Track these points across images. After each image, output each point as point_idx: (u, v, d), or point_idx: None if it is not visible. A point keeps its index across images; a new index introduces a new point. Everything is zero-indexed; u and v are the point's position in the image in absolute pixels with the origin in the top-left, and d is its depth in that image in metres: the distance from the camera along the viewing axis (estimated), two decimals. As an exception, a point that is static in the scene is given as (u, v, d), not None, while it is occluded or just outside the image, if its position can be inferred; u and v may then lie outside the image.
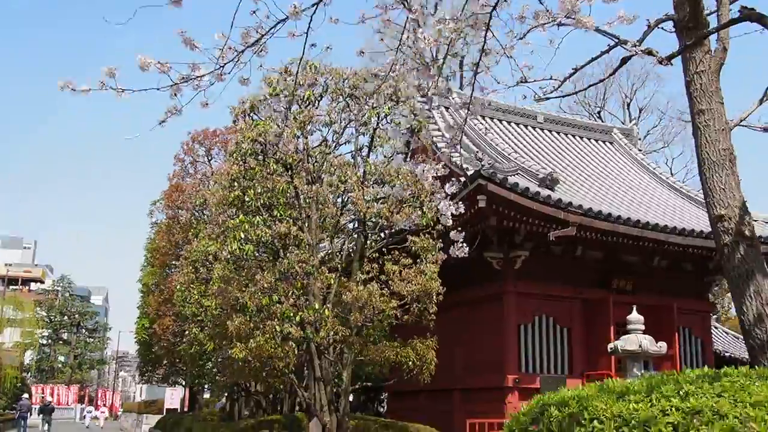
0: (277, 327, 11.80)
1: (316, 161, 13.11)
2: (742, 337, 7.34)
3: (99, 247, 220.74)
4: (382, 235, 13.14)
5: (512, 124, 22.04)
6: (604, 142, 23.20)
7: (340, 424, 13.06)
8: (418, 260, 12.72)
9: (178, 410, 37.30)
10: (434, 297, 12.65)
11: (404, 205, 12.68)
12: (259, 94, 12.94)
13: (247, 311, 12.22)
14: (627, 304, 18.04)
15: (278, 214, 12.31)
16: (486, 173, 15.03)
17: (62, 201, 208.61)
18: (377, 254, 12.62)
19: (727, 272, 7.15)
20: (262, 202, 12.41)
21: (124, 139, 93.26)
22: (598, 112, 33.87)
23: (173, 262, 23.20)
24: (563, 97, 10.42)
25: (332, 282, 12.21)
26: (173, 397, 39.57)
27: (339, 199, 13.14)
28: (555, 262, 18.01)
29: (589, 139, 22.86)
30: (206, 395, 35.73)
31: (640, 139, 24.09)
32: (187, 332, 17.70)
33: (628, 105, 33.49)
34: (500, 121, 21.85)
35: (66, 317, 65.02)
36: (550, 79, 4.89)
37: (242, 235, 12.03)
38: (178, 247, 22.80)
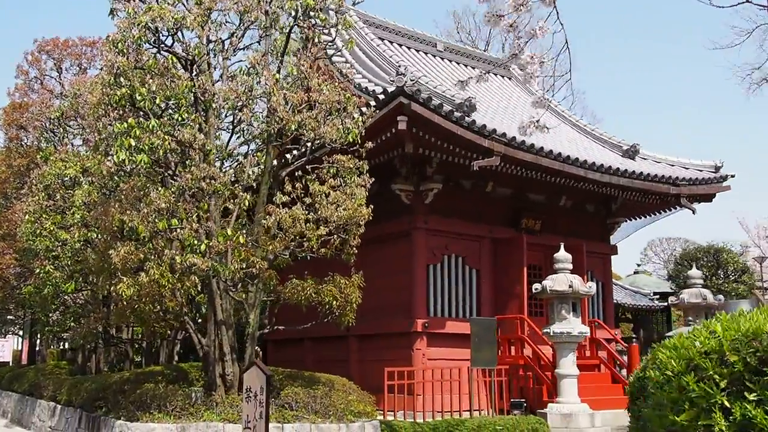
0: (177, 257, 9.49)
1: (224, 57, 10.73)
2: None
3: None
4: (304, 150, 11.04)
5: (412, 50, 20.32)
6: (503, 76, 22.06)
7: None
8: (342, 184, 10.78)
9: (10, 363, 33.25)
10: (361, 226, 10.84)
11: (331, 117, 10.64)
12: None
13: (138, 237, 9.79)
14: (535, 245, 17.20)
15: (179, 118, 9.88)
16: (409, 91, 13.23)
17: None
18: (300, 173, 10.54)
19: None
20: (158, 102, 9.90)
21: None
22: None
23: (14, 192, 19.66)
24: None
25: (247, 203, 10.02)
26: (3, 348, 35.29)
27: (253, 105, 10.84)
28: (464, 198, 16.68)
29: (488, 72, 21.53)
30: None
31: (538, 76, 23.17)
32: (38, 271, 14.72)
33: (502, 47, 32.81)
34: (400, 45, 20.05)
35: None
36: None
37: (132, 143, 9.51)
38: (22, 174, 19.29)
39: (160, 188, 9.81)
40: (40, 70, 21.10)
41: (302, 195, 10.21)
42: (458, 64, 21.17)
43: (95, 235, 13.12)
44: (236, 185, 10.02)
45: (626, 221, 20.15)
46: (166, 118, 9.92)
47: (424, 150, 14.60)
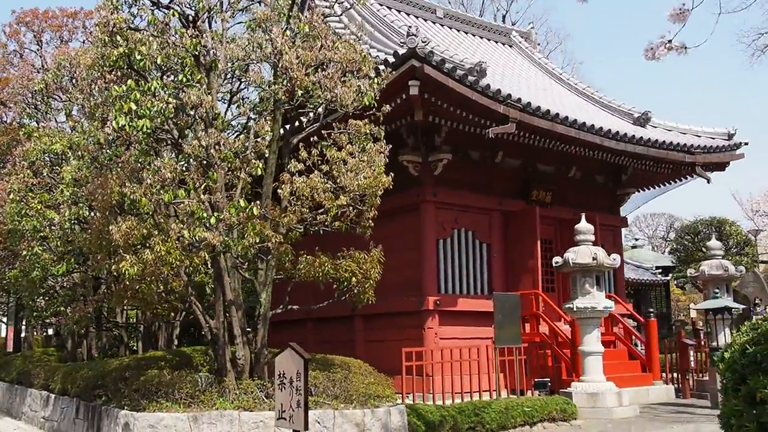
0: (185, 232, 8.64)
1: (223, 20, 9.81)
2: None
3: None
4: (315, 115, 10.19)
5: (411, 16, 19.43)
6: (503, 44, 21.26)
7: (257, 358, 10.24)
8: (360, 151, 9.96)
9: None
10: (377, 197, 10.05)
11: (347, 78, 9.79)
12: None
13: (140, 211, 8.93)
14: (546, 218, 16.53)
15: (184, 79, 8.97)
16: (421, 53, 12.40)
17: None
18: (316, 138, 9.70)
19: None
20: (159, 62, 9.00)
21: None
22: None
23: (-5, 171, 18.59)
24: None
25: (260, 171, 9.16)
26: (-15, 336, 34.22)
27: (265, 64, 9.97)
28: (473, 170, 15.94)
29: (489, 40, 20.79)
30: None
31: (539, 44, 22.45)
32: (25, 253, 13.77)
33: (503, 18, 31.99)
34: (399, 12, 19.16)
35: None
36: None
37: (132, 107, 8.61)
38: (3, 152, 18.22)
39: (165, 156, 8.93)
40: (20, 43, 20.04)
41: (319, 162, 9.37)
42: (458, 31, 20.33)
43: (87, 213, 12.22)
44: (247, 152, 9.14)
45: (636, 192, 19.51)
46: (169, 80, 9.01)
47: (434, 118, 13.81)
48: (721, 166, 18.11)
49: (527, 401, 11.31)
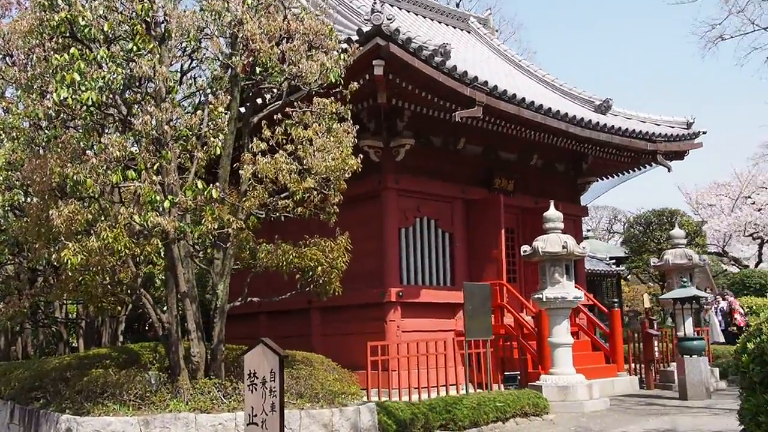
0: (135, 217, 7.81)
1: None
2: None
3: None
4: (278, 93, 9.42)
5: (368, -1, 18.70)
6: (462, 30, 20.72)
7: (214, 354, 9.45)
8: (327, 130, 9.26)
9: None
10: (341, 182, 9.40)
11: (313, 52, 9.07)
12: None
13: (84, 195, 8.05)
14: (508, 207, 16.09)
15: (134, 48, 8.11)
16: (387, 31, 11.74)
17: None
18: (280, 116, 8.95)
19: None
20: (106, 29, 8.11)
21: None
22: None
23: None
24: None
25: (219, 151, 8.37)
26: None
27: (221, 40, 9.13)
28: (435, 156, 15.37)
29: (447, 25, 20.23)
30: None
31: (497, 30, 22.00)
32: (-48, 244, 12.63)
33: (457, 5, 31.52)
34: (355, -6, 18.40)
35: None
36: None
37: (76, 78, 7.72)
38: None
39: (112, 133, 8.07)
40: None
41: (283, 142, 8.64)
42: (416, 15, 19.69)
43: (23, 198, 11.20)
44: (203, 130, 8.33)
45: (597, 181, 19.26)
46: (116, 49, 8.14)
47: (398, 101, 13.18)
48: (680, 155, 17.96)
49: (499, 396, 10.80)
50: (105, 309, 10.57)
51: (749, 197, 37.75)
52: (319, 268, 9.25)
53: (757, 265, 36.81)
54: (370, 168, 14.32)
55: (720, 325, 21.00)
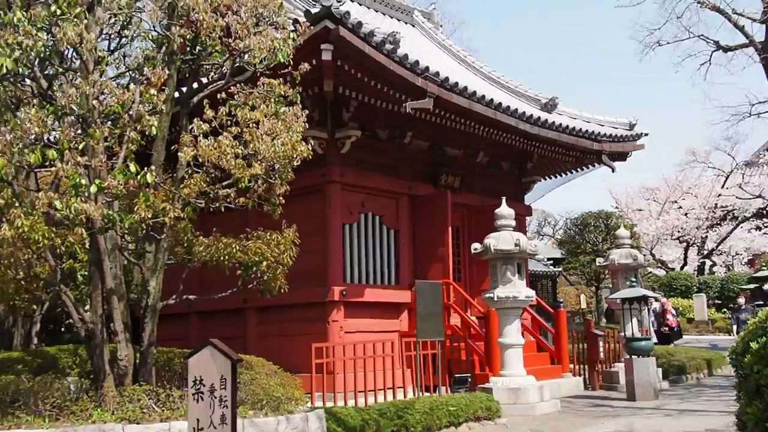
0: (56, 202, 6.89)
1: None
2: None
3: None
4: (225, 71, 8.59)
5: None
6: (406, 23, 20.13)
7: (144, 358, 8.56)
8: (275, 113, 8.50)
9: None
10: (288, 171, 8.69)
11: (262, 26, 8.31)
12: None
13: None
14: (454, 204, 15.61)
15: (58, 11, 7.16)
16: (337, 13, 11.02)
17: None
18: (224, 96, 8.14)
19: None
20: (25, -11, 7.17)
21: None
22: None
23: None
24: None
25: (155, 131, 7.51)
26: None
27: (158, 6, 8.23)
28: (381, 150, 14.73)
29: (391, 17, 19.60)
30: None
31: (441, 25, 21.53)
32: None
33: None
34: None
35: None
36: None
37: (-10, 43, 6.76)
38: None
39: (30, 107, 7.12)
40: None
41: (228, 124, 7.84)
42: (360, 5, 18.99)
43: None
44: (134, 107, 7.43)
45: (541, 180, 18.99)
46: (38, 10, 7.19)
47: (345, 89, 12.47)
48: (623, 156, 17.85)
49: (451, 400, 10.23)
50: (18, 308, 9.50)
51: (676, 202, 38.60)
52: (264, 263, 8.48)
53: (682, 267, 37.67)
54: (314, 160, 13.42)
55: (653, 326, 21.08)
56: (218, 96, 8.08)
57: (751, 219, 37.06)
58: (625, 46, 78.86)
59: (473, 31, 72.32)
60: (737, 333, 15.15)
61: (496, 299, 11.76)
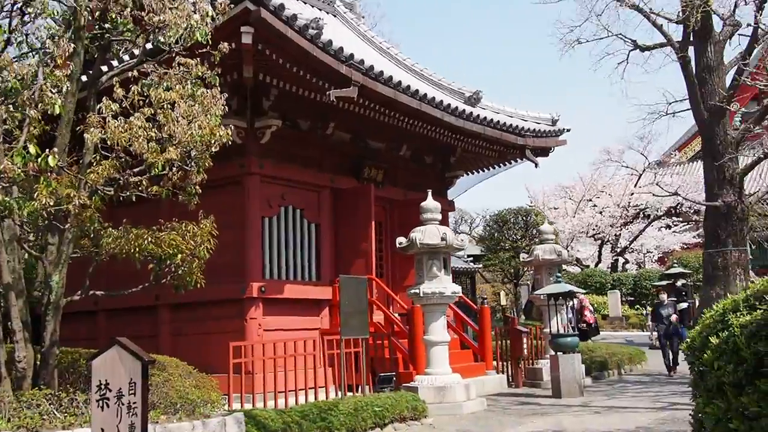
0: (-57, 187, 6.16)
1: None
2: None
3: None
4: (140, 45, 7.96)
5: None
6: (327, 12, 19.62)
7: (45, 359, 7.87)
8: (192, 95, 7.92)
9: None
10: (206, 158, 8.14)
11: (178, 1, 7.71)
12: None
13: None
14: (376, 198, 15.27)
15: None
16: (258, -6, 10.48)
17: None
18: (137, 74, 7.50)
19: None
20: None
21: None
22: None
23: None
24: None
25: (59, 110, 6.82)
26: None
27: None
28: (302, 141, 14.22)
29: (312, 6, 19.06)
30: None
31: (363, 16, 21.09)
32: None
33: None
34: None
35: None
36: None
37: None
38: None
39: None
40: None
41: (140, 104, 7.22)
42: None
43: None
44: (36, 83, 6.74)
45: (464, 175, 18.85)
46: None
47: (266, 76, 11.93)
48: (545, 152, 17.88)
49: (377, 400, 9.85)
50: None
51: (591, 200, 39.43)
52: (179, 256, 7.89)
53: (596, 265, 38.52)
54: (233, 150, 12.80)
55: (570, 323, 21.28)
56: (131, 75, 7.45)
57: (662, 218, 38.23)
58: (547, 43, 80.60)
59: (394, 24, 72.30)
60: (656, 329, 15.34)
61: (422, 295, 11.47)
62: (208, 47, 8.07)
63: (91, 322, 14.82)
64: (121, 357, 4.19)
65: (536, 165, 17.35)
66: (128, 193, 7.73)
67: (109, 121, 6.85)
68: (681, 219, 38.77)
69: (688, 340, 4.77)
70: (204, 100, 7.76)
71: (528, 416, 10.54)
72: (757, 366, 3.91)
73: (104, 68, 9.30)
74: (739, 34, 21.50)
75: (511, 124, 16.28)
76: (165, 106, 7.25)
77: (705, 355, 4.34)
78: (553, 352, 13.06)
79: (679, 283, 21.98)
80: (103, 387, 4.18)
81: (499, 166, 18.61)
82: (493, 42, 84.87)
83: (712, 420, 4.24)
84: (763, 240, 30.88)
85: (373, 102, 12.98)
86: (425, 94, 13.72)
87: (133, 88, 7.21)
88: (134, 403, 4.03)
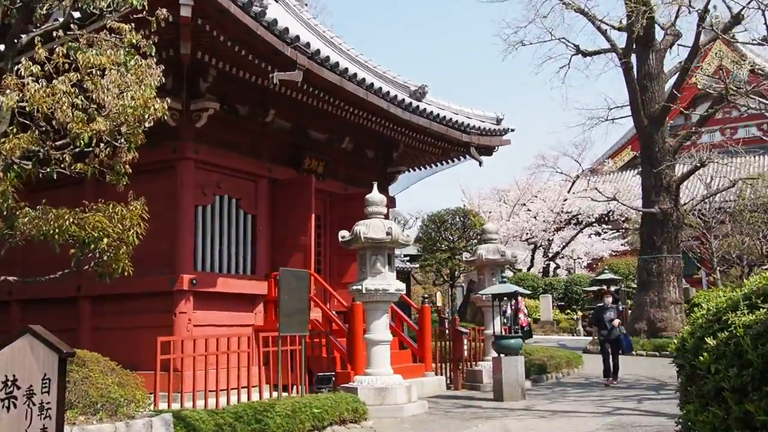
0: None
1: None
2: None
3: None
4: (66, 6, 7.16)
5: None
6: (271, -1, 18.90)
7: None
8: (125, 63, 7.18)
9: None
10: (139, 134, 7.39)
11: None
12: None
13: None
14: (317, 191, 14.68)
15: None
16: (200, -36, 9.76)
17: None
18: (62, 34, 6.73)
19: None
20: None
21: None
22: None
23: None
24: None
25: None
26: None
27: None
28: (240, 128, 13.55)
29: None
30: None
31: (306, 4, 20.40)
32: None
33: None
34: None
35: None
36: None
37: None
38: None
39: None
40: None
41: (66, 68, 6.45)
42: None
43: None
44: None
45: (406, 171, 18.42)
46: None
47: (204, 54, 11.22)
48: (489, 151, 17.62)
49: (315, 401, 9.26)
50: None
51: (525, 205, 39.69)
52: (105, 240, 7.11)
53: (529, 269, 38.78)
54: (166, 133, 12.03)
55: (508, 324, 21.14)
56: (55, 35, 6.67)
57: (593, 225, 38.75)
58: (490, 43, 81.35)
59: (336, 18, 71.63)
60: (599, 333, 15.09)
61: (364, 291, 10.94)
62: (144, 13, 7.35)
63: (5, 314, 13.82)
64: (34, 348, 3.52)
65: (480, 164, 17.07)
66: (49, 170, 6.93)
67: (28, 84, 6.07)
68: (611, 227, 39.41)
69: (676, 341, 4.37)
70: (138, 70, 7.04)
71: (472, 420, 10.13)
72: (764, 370, 3.52)
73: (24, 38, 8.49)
74: (678, 45, 21.88)
75: (456, 121, 15.94)
76: (94, 72, 6.50)
77: (700, 358, 3.94)
78: (495, 354, 12.71)
79: (612, 288, 22.08)
80: (9, 384, 3.48)
81: (442, 164, 18.27)
82: (438, 37, 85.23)
83: (707, 429, 3.83)
84: (688, 250, 31.54)
85: (318, 89, 12.41)
86: (372, 84, 13.24)
87: (58, 49, 6.44)
88: (48, 403, 3.37)
